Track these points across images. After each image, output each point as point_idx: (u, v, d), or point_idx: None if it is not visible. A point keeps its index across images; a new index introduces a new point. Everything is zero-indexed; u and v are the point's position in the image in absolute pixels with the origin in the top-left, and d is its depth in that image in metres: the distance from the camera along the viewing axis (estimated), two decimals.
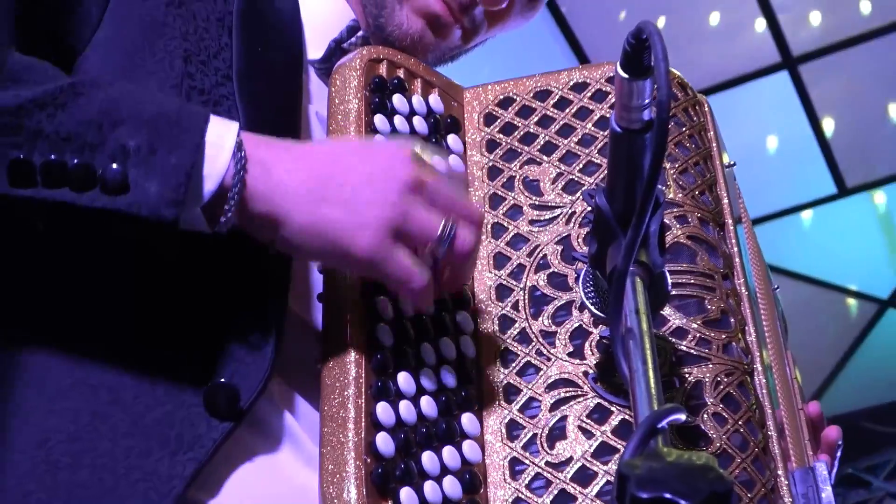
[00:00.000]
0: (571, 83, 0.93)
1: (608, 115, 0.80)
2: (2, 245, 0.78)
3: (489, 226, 0.90)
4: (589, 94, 0.92)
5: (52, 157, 0.68)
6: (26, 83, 0.70)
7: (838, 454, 1.04)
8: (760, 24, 3.26)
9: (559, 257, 0.85)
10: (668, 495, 0.42)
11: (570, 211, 0.87)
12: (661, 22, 2.97)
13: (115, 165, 0.68)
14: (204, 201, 0.70)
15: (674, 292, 0.77)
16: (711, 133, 0.95)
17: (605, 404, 0.76)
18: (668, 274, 0.74)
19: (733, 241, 0.89)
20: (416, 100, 0.94)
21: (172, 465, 0.71)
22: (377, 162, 0.77)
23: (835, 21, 3.24)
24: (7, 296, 0.78)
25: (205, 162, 0.70)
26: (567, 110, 0.92)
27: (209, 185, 0.70)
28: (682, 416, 0.60)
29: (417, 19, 0.97)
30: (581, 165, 0.89)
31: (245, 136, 0.74)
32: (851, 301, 3.54)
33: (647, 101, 0.63)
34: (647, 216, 0.63)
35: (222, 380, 0.76)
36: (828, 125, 3.27)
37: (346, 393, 0.74)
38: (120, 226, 0.70)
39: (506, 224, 0.89)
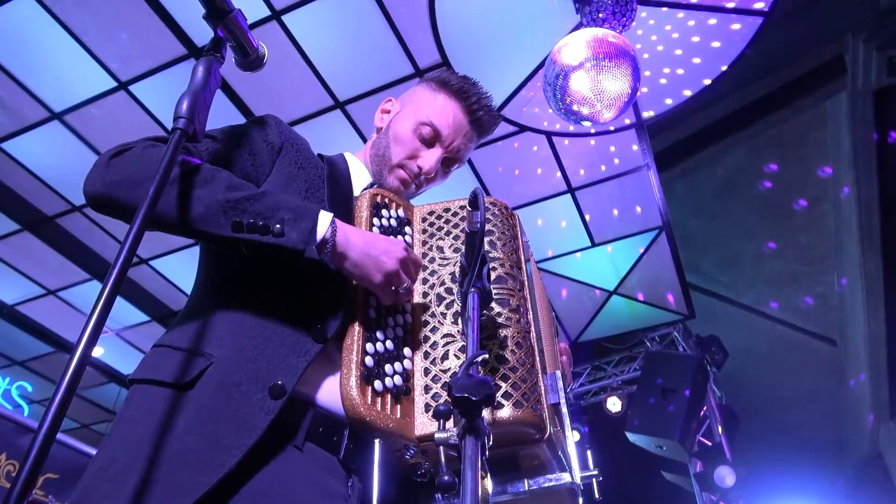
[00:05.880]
0: (458, 205, 1.34)
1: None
2: (227, 259, 1.16)
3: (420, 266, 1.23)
4: (464, 211, 1.26)
5: (251, 220, 1.01)
6: (244, 189, 1.05)
7: (570, 360, 1.47)
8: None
9: (450, 281, 1.24)
10: (466, 394, 0.72)
11: (455, 261, 1.25)
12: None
13: (278, 226, 1.02)
14: (316, 243, 1.03)
15: (497, 295, 1.18)
16: (517, 227, 1.35)
17: (466, 345, 1.08)
18: (493, 289, 1.14)
19: (524, 273, 1.29)
20: (392, 212, 1.32)
21: (297, 358, 1.06)
22: (391, 247, 1.12)
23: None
24: (228, 280, 1.14)
25: (318, 227, 1.04)
26: (456, 217, 1.34)
27: (318, 236, 1.04)
28: (486, 355, 1.01)
29: (396, 181, 1.43)
30: (459, 242, 1.29)
31: (337, 221, 1.08)
32: (598, 291, 6.42)
33: (478, 218, 1.02)
34: (477, 265, 1.03)
35: (319, 325, 1.10)
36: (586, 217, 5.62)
37: (353, 336, 1.10)
38: (279, 252, 1.03)
39: (428, 265, 1.27)
